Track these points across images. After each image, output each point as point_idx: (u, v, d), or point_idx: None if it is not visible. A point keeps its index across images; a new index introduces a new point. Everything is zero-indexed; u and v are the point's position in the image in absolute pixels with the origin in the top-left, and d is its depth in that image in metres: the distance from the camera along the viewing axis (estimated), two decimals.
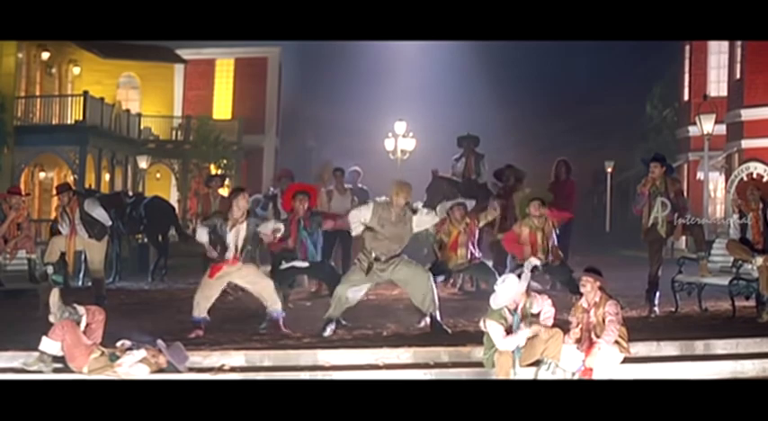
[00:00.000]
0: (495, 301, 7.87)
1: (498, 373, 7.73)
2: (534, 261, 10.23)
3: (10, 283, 11.47)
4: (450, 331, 9.33)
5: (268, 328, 9.36)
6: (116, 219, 13.57)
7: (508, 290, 7.85)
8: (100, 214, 11.13)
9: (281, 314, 9.34)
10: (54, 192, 11.99)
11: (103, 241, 11.28)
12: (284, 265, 10.03)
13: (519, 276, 7.99)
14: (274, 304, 9.31)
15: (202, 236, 9.38)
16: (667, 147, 29.23)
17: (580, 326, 7.94)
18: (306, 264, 10.05)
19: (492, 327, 7.79)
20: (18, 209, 11.54)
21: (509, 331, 7.78)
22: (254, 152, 34.65)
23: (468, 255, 10.74)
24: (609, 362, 7.77)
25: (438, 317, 9.36)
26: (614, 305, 7.89)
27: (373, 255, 9.30)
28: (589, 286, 7.97)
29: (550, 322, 7.97)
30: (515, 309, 7.88)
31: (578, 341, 7.91)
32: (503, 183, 13.04)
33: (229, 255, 9.24)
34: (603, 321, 7.84)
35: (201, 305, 9.21)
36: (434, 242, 11.00)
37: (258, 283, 9.36)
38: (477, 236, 10.95)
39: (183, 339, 8.47)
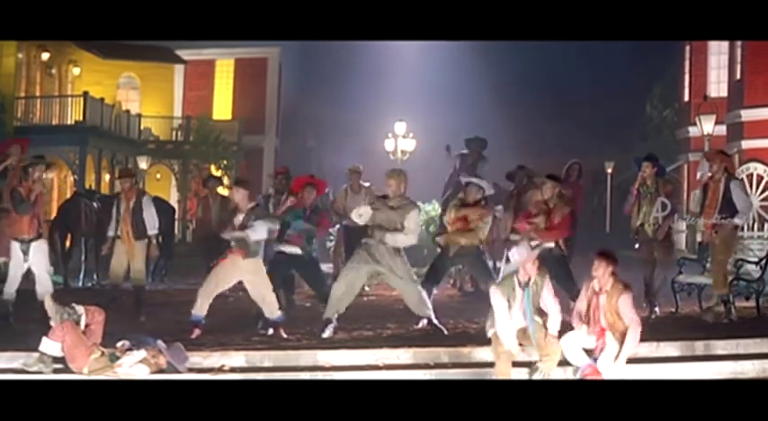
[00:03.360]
0: (508, 267, 7.89)
1: (497, 375, 7.73)
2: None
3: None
4: (446, 332, 9.34)
5: (267, 331, 9.33)
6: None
7: (520, 253, 7.90)
8: (151, 214, 10.69)
9: (281, 319, 9.31)
10: (117, 174, 11.30)
11: (143, 242, 10.65)
12: (277, 249, 10.01)
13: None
14: (272, 313, 9.25)
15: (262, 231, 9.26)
16: (667, 147, 29.22)
17: (590, 306, 7.90)
18: (298, 251, 10.00)
19: (496, 300, 7.78)
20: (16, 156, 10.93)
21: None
22: (254, 152, 34.62)
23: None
24: (621, 367, 7.76)
25: (434, 319, 9.38)
26: (628, 302, 7.83)
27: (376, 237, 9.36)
28: (602, 270, 7.91)
29: (555, 330, 7.93)
30: (527, 283, 7.84)
31: (586, 321, 7.88)
32: (515, 185, 12.93)
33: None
34: (617, 313, 7.78)
35: (200, 301, 9.12)
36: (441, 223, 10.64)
37: (257, 286, 9.26)
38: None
39: (183, 340, 8.47)
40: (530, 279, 7.87)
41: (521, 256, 7.94)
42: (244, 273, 9.23)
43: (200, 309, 9.12)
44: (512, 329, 7.81)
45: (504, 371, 7.69)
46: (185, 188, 32.52)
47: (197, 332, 9.03)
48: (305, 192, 10.18)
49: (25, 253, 9.73)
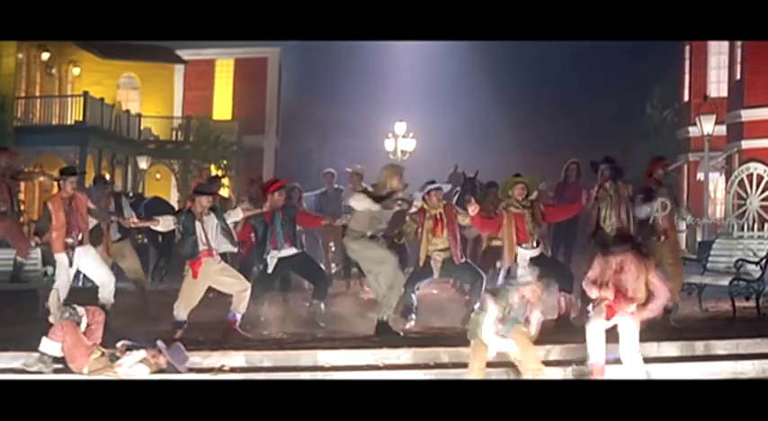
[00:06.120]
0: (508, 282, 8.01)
1: (472, 361, 7.70)
2: (523, 252, 9.58)
3: (10, 284, 11.43)
4: (401, 334, 9.28)
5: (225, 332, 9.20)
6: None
7: (524, 274, 7.91)
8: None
9: (239, 315, 9.23)
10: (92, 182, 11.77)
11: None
12: (271, 258, 9.99)
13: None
14: (237, 307, 9.21)
15: (167, 223, 9.59)
16: (667, 147, 29.20)
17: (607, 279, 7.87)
18: (292, 251, 10.00)
19: (490, 309, 7.74)
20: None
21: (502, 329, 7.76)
22: (254, 152, 34.63)
23: (454, 250, 9.80)
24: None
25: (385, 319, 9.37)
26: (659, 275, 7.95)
27: (369, 233, 9.53)
28: (625, 259, 7.89)
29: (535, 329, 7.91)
30: (525, 304, 7.83)
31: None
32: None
33: (201, 248, 9.23)
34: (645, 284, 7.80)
35: (182, 307, 9.24)
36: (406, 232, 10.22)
37: (233, 286, 9.27)
38: (458, 231, 9.96)
39: (183, 339, 8.48)
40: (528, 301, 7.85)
41: (524, 278, 7.90)
42: (216, 273, 9.37)
43: (181, 312, 9.30)
44: (496, 342, 7.77)
45: (479, 359, 7.68)
46: (185, 188, 32.52)
47: (179, 332, 9.04)
48: (276, 196, 9.99)
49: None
